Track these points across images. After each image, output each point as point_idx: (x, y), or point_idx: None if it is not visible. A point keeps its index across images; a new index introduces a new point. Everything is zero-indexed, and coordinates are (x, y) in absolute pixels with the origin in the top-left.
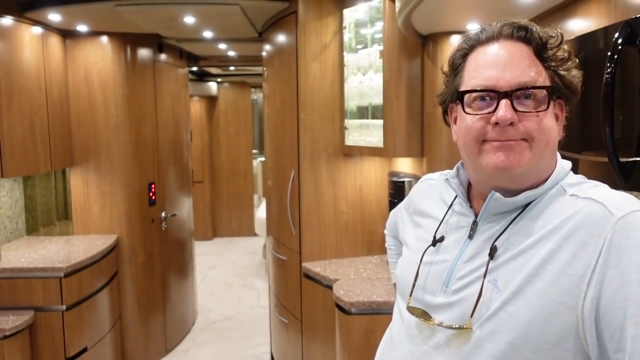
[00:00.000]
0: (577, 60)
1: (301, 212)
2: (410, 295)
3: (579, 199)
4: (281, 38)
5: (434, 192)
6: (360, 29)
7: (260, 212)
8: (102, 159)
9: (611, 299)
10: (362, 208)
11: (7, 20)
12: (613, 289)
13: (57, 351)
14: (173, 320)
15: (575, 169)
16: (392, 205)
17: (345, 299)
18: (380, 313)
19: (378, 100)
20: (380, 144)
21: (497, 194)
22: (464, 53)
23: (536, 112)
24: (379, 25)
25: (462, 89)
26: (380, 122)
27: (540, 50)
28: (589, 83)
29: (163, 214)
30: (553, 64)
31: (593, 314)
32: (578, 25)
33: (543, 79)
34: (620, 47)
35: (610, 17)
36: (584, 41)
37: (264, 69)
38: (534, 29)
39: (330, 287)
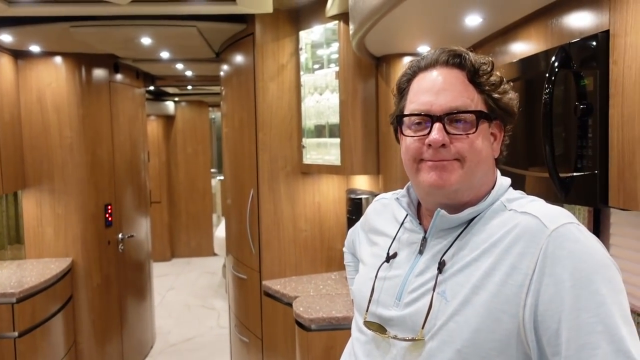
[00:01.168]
0: (511, 84)
1: (260, 231)
2: (367, 311)
3: (517, 214)
4: (239, 59)
5: (387, 211)
6: (317, 50)
7: (220, 232)
8: (56, 181)
9: (547, 306)
10: (320, 225)
11: None
12: (549, 296)
13: None
14: (131, 343)
15: (522, 185)
16: (350, 221)
17: (305, 315)
18: (340, 328)
19: (335, 119)
20: (338, 162)
21: (443, 212)
22: (408, 78)
23: (466, 134)
24: (335, 46)
25: (404, 112)
26: (338, 140)
27: (473, 76)
28: (533, 103)
29: (120, 236)
30: (486, 88)
31: (532, 320)
32: (520, 48)
33: (475, 103)
34: (556, 70)
35: (547, 41)
36: (526, 63)
37: (222, 88)
38: (467, 56)
39: (290, 305)
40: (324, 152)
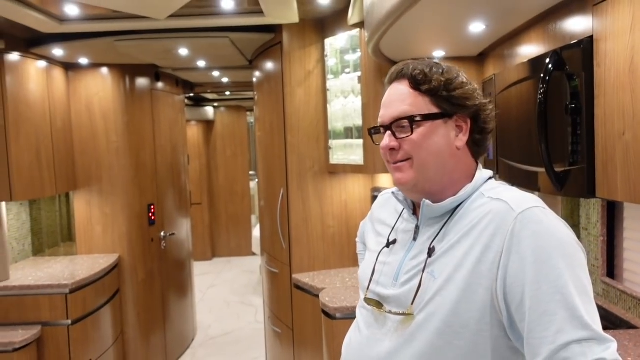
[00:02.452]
0: (462, 80)
1: (290, 227)
2: (368, 289)
3: (492, 200)
4: (269, 66)
5: (390, 204)
6: (344, 55)
7: (258, 232)
8: (104, 183)
9: (514, 279)
10: (347, 222)
11: (14, 56)
12: (515, 271)
13: None
14: (173, 335)
15: (535, 182)
16: None
17: (330, 305)
18: None
19: (360, 121)
20: (362, 162)
21: (427, 201)
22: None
23: (407, 136)
24: (360, 52)
25: None
26: (362, 141)
27: (415, 85)
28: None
29: (162, 233)
30: (432, 89)
31: (502, 292)
32: (526, 51)
33: (418, 107)
34: (551, 72)
35: (547, 45)
36: (535, 64)
37: (255, 93)
38: (407, 70)
39: (318, 296)
40: (349, 152)
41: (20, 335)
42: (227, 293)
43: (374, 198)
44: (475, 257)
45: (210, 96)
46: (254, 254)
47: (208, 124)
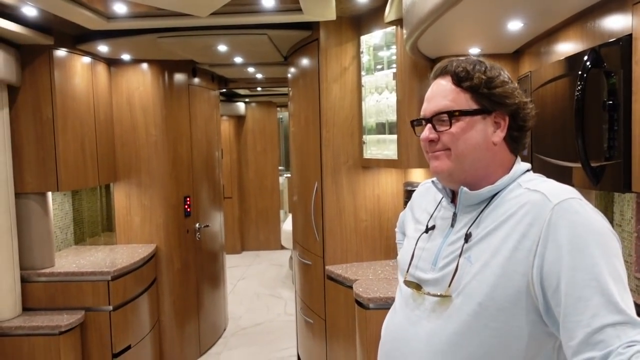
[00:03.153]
0: (504, 79)
1: (324, 220)
2: (407, 272)
3: (530, 192)
4: (305, 62)
5: (430, 193)
6: (378, 52)
7: (287, 225)
8: (143, 175)
9: (550, 266)
10: (380, 216)
11: (62, 52)
12: (552, 258)
13: (105, 347)
14: (206, 325)
15: (570, 177)
16: None
17: (364, 295)
18: None
19: (393, 117)
20: (395, 157)
21: (465, 189)
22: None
23: (445, 129)
24: (394, 48)
25: None
26: (395, 137)
27: (457, 81)
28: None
29: (197, 225)
30: (473, 86)
31: (539, 278)
32: (562, 48)
33: (458, 103)
34: (589, 69)
35: (584, 43)
36: (571, 62)
37: (289, 89)
38: (451, 67)
39: (351, 287)
40: (383, 147)
41: (66, 319)
42: (257, 285)
43: (407, 192)
44: (512, 245)
45: (242, 91)
46: (282, 247)
47: (239, 119)
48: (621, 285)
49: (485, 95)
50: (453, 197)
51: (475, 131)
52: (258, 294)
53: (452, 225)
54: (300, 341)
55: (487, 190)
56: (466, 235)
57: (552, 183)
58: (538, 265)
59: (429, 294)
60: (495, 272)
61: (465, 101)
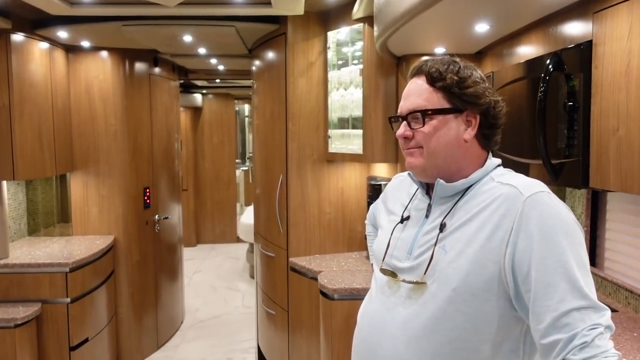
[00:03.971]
0: (477, 78)
1: (288, 212)
2: (383, 260)
3: (502, 185)
4: (271, 55)
5: (403, 185)
6: (342, 48)
7: (245, 218)
8: (101, 165)
9: (521, 254)
10: (343, 209)
11: (20, 37)
12: (523, 247)
13: (62, 340)
14: (164, 317)
15: (526, 172)
16: (370, 205)
17: (329, 286)
18: (360, 298)
19: (358, 112)
20: (360, 151)
21: (441, 181)
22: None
23: (418, 127)
24: (359, 44)
25: None
26: (360, 131)
27: (432, 81)
28: (536, 100)
29: (156, 217)
30: (440, 87)
31: (510, 265)
32: (524, 51)
33: (432, 102)
34: (551, 72)
35: (547, 46)
36: (531, 65)
37: (253, 82)
38: (426, 67)
39: (314, 279)
40: (347, 142)
41: (22, 312)
42: (213, 278)
43: (370, 186)
44: (485, 235)
45: (199, 83)
46: (238, 240)
47: (196, 111)
48: (585, 272)
49: (457, 95)
50: (427, 189)
51: (448, 129)
52: (215, 287)
53: (427, 216)
54: (261, 333)
55: (461, 183)
56: (441, 225)
57: (522, 177)
58: (510, 254)
59: (404, 281)
60: (469, 260)
61: (437, 100)
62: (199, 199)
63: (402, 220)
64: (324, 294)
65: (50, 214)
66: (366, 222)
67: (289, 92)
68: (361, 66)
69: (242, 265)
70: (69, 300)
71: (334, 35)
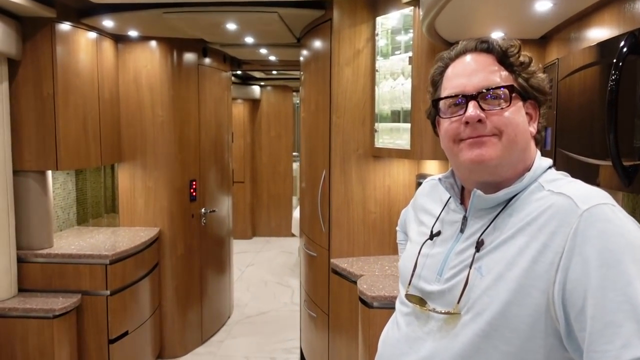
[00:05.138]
0: (539, 65)
1: (331, 211)
2: (410, 284)
3: (553, 194)
4: (317, 44)
5: (435, 192)
6: (396, 36)
7: (297, 213)
8: (148, 156)
9: (575, 283)
10: (390, 208)
11: (66, 26)
12: (577, 274)
13: (101, 333)
14: (209, 312)
15: (595, 175)
16: None
17: (368, 293)
18: None
19: (409, 104)
20: (408, 147)
21: (479, 192)
22: (440, 70)
23: (501, 108)
24: (412, 32)
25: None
26: (409, 125)
27: (502, 58)
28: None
29: (203, 210)
30: (516, 68)
31: (561, 296)
32: (595, 34)
33: (506, 81)
34: (625, 57)
35: (621, 26)
36: (604, 48)
37: (301, 73)
38: (494, 40)
39: (355, 283)
40: (396, 136)
41: (61, 303)
42: (265, 272)
43: (419, 185)
44: (531, 256)
45: (257, 75)
46: (293, 235)
47: (254, 103)
48: None
49: (525, 80)
50: (462, 198)
51: (522, 117)
52: (266, 281)
53: (462, 231)
54: (304, 334)
55: (503, 194)
56: (477, 242)
57: (580, 184)
58: (561, 282)
59: (434, 310)
60: (510, 287)
61: (514, 82)
62: (255, 191)
63: (432, 236)
64: (363, 301)
65: (99, 204)
66: (397, 228)
67: (333, 83)
68: (411, 54)
69: (295, 260)
70: (108, 292)
71: (383, 22)
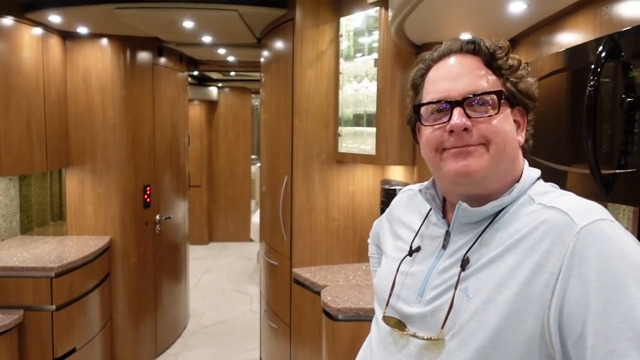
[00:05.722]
0: (529, 69)
1: (293, 218)
2: (387, 305)
3: (546, 208)
4: (278, 44)
5: (413, 203)
6: (359, 38)
7: (256, 218)
8: (98, 160)
9: (573, 307)
10: (354, 215)
11: (8, 21)
12: (575, 298)
13: (46, 351)
14: (164, 323)
15: (563, 181)
16: (384, 212)
17: (332, 305)
18: (367, 320)
19: (373, 108)
20: (373, 152)
21: (464, 204)
22: (422, 73)
23: (488, 115)
24: (376, 34)
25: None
26: (374, 130)
27: (490, 61)
28: (579, 95)
29: (157, 217)
30: (504, 72)
31: (557, 322)
32: (567, 38)
33: (494, 86)
34: (603, 61)
35: (596, 30)
36: (573, 54)
37: (262, 74)
38: (481, 41)
39: (319, 293)
40: (360, 141)
41: (1, 320)
42: (223, 280)
43: (384, 191)
44: (523, 277)
45: (214, 76)
46: (251, 240)
47: (211, 105)
48: None
49: (514, 84)
50: (444, 211)
51: (511, 125)
52: (223, 289)
53: (444, 247)
54: (264, 345)
55: (490, 207)
56: (463, 260)
57: (574, 198)
58: (557, 306)
59: (415, 335)
60: (501, 312)
61: (500, 87)
62: (212, 195)
63: (411, 252)
64: (327, 314)
65: (45, 212)
66: (369, 240)
67: (296, 85)
68: (376, 56)
69: (253, 266)
70: (53, 307)
71: (347, 23)
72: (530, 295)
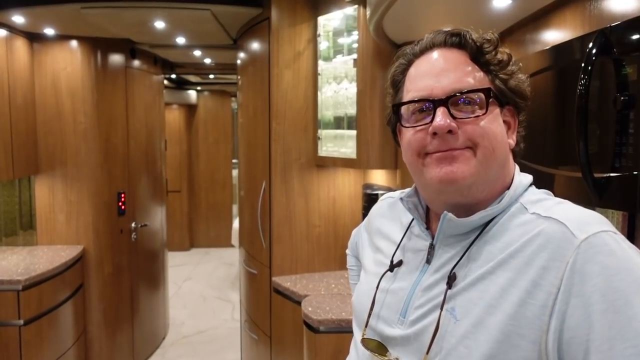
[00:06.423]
0: (520, 64)
1: (272, 225)
2: (366, 326)
3: (540, 219)
4: (254, 45)
5: (393, 212)
6: (338, 38)
7: (237, 223)
8: (69, 167)
9: (574, 332)
10: (335, 221)
11: None
12: (576, 321)
13: None
14: (142, 334)
15: (551, 185)
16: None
17: (313, 316)
18: (350, 331)
19: (353, 110)
20: (354, 155)
21: (450, 215)
22: (402, 69)
23: (475, 116)
24: (356, 34)
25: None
26: (354, 132)
27: (477, 55)
28: (566, 95)
29: (133, 224)
30: (492, 67)
31: (556, 348)
32: (554, 35)
33: (481, 84)
34: (594, 58)
35: (585, 26)
36: (559, 51)
37: (238, 77)
38: (468, 34)
39: (299, 303)
40: (340, 144)
41: None
42: (204, 287)
43: (366, 196)
44: (517, 297)
45: (193, 79)
46: (233, 245)
47: (190, 108)
48: None
49: (503, 82)
50: (428, 221)
51: (500, 126)
52: (204, 296)
53: (428, 262)
54: (245, 355)
55: (479, 217)
56: (449, 277)
57: (571, 206)
58: (556, 329)
59: None
60: (493, 337)
61: (488, 85)
62: (193, 201)
63: (392, 267)
64: (308, 325)
65: (14, 221)
66: (347, 251)
67: (273, 87)
68: (355, 56)
69: (235, 272)
70: (21, 322)
71: (325, 22)
72: (525, 317)
